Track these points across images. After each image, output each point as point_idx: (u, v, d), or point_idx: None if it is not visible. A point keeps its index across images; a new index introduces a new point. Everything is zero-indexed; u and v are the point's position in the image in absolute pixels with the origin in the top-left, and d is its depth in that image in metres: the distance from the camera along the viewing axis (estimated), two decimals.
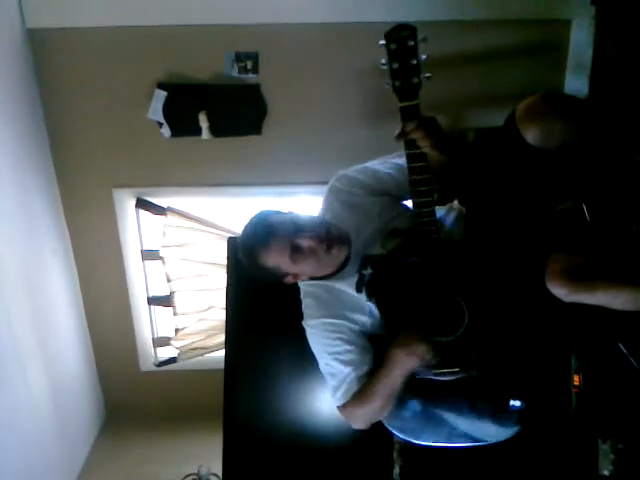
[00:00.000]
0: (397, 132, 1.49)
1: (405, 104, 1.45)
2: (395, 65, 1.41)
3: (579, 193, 1.71)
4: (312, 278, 1.77)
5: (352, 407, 1.70)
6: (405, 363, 1.58)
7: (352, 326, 1.71)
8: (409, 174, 1.51)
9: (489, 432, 1.63)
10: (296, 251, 1.63)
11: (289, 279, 1.73)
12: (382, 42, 1.41)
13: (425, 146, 1.48)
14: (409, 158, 1.50)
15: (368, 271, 1.68)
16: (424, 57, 1.41)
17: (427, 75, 1.42)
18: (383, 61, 1.43)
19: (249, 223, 1.72)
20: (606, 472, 1.65)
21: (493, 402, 1.61)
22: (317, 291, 1.76)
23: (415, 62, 1.41)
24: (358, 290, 1.69)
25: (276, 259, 1.64)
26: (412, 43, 1.39)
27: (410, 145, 1.49)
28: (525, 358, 1.59)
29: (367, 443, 1.90)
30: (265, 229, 1.66)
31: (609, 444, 1.65)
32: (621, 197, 1.81)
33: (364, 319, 1.72)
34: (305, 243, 1.63)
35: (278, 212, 1.73)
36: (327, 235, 1.65)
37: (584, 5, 2.59)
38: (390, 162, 1.80)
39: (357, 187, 1.79)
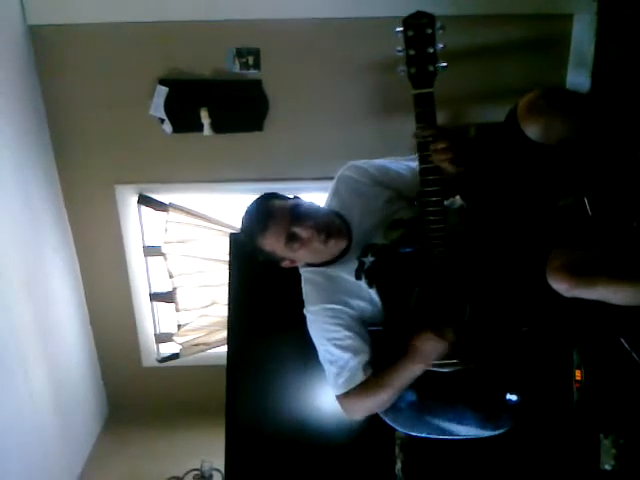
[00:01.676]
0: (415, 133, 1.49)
1: (419, 91, 1.43)
2: (411, 52, 1.40)
3: (581, 188, 1.71)
4: (311, 265, 1.78)
5: (357, 397, 1.68)
6: (433, 352, 1.55)
7: (351, 312, 1.71)
8: (419, 163, 1.50)
9: (482, 427, 1.63)
10: (292, 239, 1.64)
11: (286, 263, 1.75)
12: (399, 29, 1.40)
13: (442, 160, 1.48)
14: (419, 147, 1.50)
15: (369, 259, 1.68)
16: (441, 46, 1.40)
17: (443, 64, 1.41)
18: (399, 48, 1.41)
19: (252, 204, 1.76)
20: (608, 467, 1.65)
21: (490, 396, 1.61)
22: (317, 278, 1.77)
23: (432, 50, 1.40)
24: (357, 277, 1.69)
25: (272, 245, 1.67)
26: (430, 31, 1.39)
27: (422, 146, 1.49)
28: (525, 352, 1.59)
29: (369, 439, 1.91)
30: (264, 214, 1.69)
31: (611, 439, 1.65)
32: (622, 193, 1.81)
33: (363, 305, 1.72)
34: (303, 233, 1.64)
35: (282, 197, 1.76)
36: (326, 226, 1.66)
37: (586, 0, 2.59)
38: (402, 162, 1.82)
39: (364, 176, 1.80)
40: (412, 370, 1.60)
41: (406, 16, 1.39)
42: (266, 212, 1.69)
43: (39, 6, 2.60)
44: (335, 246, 1.69)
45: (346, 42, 2.70)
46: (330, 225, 1.68)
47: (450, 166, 1.49)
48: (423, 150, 1.49)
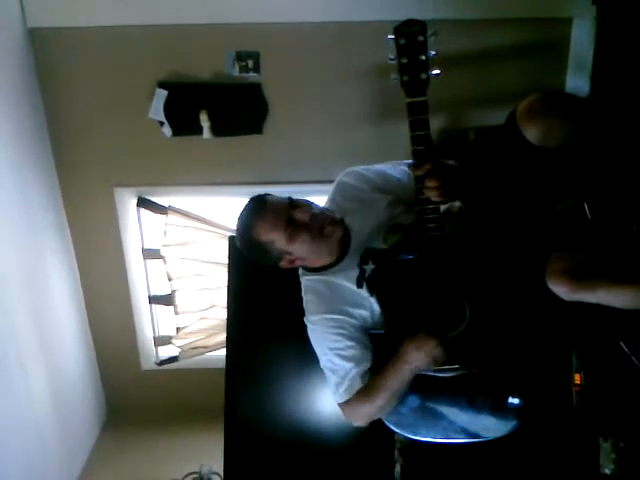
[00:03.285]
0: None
1: (412, 100, 1.43)
2: (404, 60, 1.39)
3: (580, 192, 1.71)
4: (311, 270, 1.78)
5: (356, 403, 1.69)
6: (416, 359, 1.57)
7: (353, 321, 1.71)
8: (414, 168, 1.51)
9: (487, 427, 1.62)
10: (291, 224, 1.64)
11: (284, 263, 1.73)
12: (391, 36, 1.38)
13: (433, 196, 1.49)
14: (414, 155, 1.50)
15: (370, 266, 1.68)
16: (433, 53, 1.39)
17: (436, 72, 1.40)
18: (391, 56, 1.40)
19: (247, 202, 1.77)
20: (607, 471, 1.65)
21: (491, 399, 1.61)
22: (318, 286, 1.76)
23: (424, 58, 1.39)
24: (358, 285, 1.69)
25: (270, 233, 1.66)
26: (422, 38, 1.37)
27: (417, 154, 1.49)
28: (525, 356, 1.59)
29: (368, 442, 1.91)
30: (261, 203, 1.71)
31: (610, 443, 1.65)
32: (622, 196, 1.81)
33: (364, 314, 1.72)
34: (299, 216, 1.65)
35: (276, 196, 1.77)
36: (321, 214, 1.69)
37: (585, 4, 2.59)
38: (399, 168, 1.81)
39: (363, 182, 1.81)
40: (402, 372, 1.60)
41: (397, 24, 1.38)
42: (264, 202, 1.71)
43: (39, 9, 2.60)
44: (332, 232, 1.68)
45: (346, 46, 2.70)
46: (325, 214, 1.71)
47: (440, 198, 1.50)
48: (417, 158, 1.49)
